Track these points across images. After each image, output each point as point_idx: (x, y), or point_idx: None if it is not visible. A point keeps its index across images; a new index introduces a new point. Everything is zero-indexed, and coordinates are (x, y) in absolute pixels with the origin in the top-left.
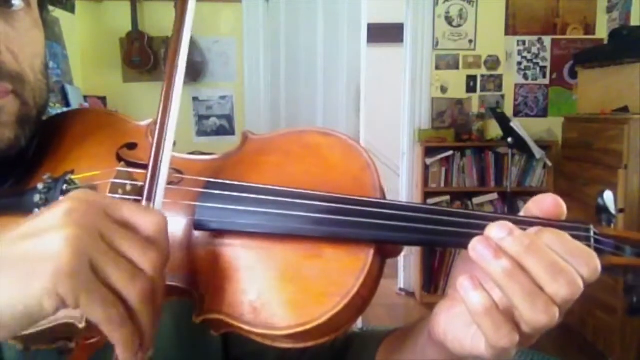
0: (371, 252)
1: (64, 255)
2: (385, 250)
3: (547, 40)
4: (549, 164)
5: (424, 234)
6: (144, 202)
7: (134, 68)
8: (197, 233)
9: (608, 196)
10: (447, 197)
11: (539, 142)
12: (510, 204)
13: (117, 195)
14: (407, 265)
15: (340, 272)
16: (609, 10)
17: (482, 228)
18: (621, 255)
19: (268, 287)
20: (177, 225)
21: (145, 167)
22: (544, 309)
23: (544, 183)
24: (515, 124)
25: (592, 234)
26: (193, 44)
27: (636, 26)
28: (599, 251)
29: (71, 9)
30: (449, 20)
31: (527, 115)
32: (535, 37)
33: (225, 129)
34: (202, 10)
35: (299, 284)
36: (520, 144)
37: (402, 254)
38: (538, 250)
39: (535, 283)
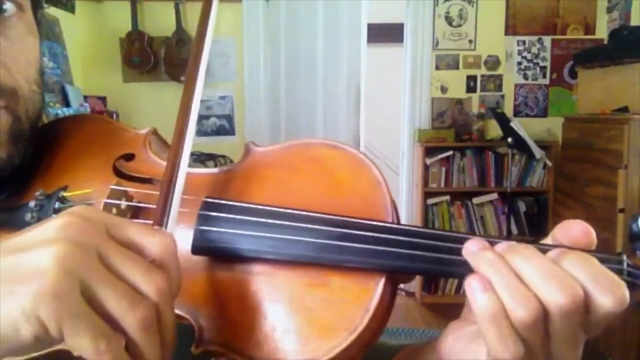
0: (382, 281)
1: (50, 274)
2: (398, 277)
3: (547, 40)
4: (549, 164)
5: (441, 264)
6: (155, 226)
7: (134, 68)
8: (195, 257)
9: None
10: (447, 197)
11: (539, 142)
12: (510, 204)
13: None
14: None
15: (348, 303)
16: (609, 10)
17: None
18: None
19: (271, 319)
20: None
21: (142, 180)
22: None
23: (544, 183)
24: (515, 124)
25: (625, 265)
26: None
27: (636, 26)
28: (633, 285)
29: (71, 9)
30: (449, 20)
31: (527, 115)
32: (535, 37)
33: (225, 129)
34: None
35: (303, 315)
36: (520, 144)
37: None
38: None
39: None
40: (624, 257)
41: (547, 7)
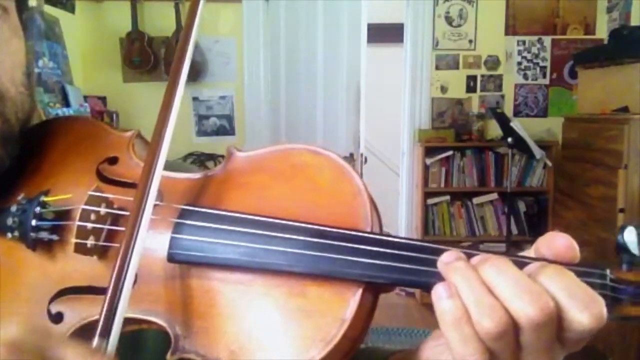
0: (359, 292)
1: None
2: (378, 286)
3: (547, 40)
4: (549, 164)
5: (418, 276)
6: (122, 249)
7: (134, 68)
8: (171, 264)
9: (629, 233)
10: (447, 197)
11: (539, 142)
12: (510, 204)
13: (89, 224)
14: None
15: (324, 314)
16: (609, 10)
17: None
18: None
19: (247, 328)
20: (151, 257)
21: (125, 185)
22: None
23: (544, 183)
24: (515, 124)
25: (608, 280)
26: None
27: (636, 26)
28: (616, 300)
29: (71, 9)
30: (449, 20)
31: (527, 115)
32: (535, 37)
33: (225, 129)
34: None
35: (279, 325)
36: (520, 144)
37: None
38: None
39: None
40: (608, 271)
41: (547, 7)
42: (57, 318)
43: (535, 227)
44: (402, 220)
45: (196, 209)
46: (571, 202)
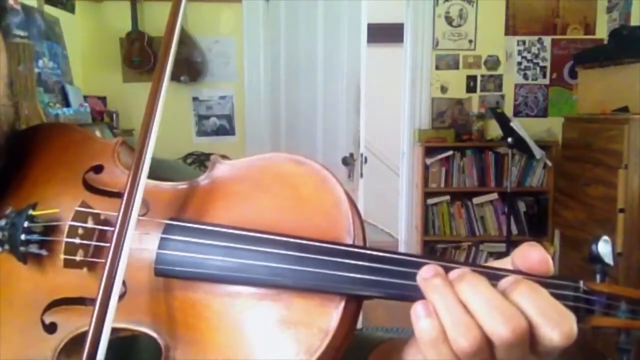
0: (342, 304)
1: None
2: (361, 297)
3: (547, 40)
4: (549, 164)
5: (398, 289)
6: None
7: (134, 68)
8: (159, 278)
9: (604, 244)
10: (447, 197)
11: (539, 142)
12: (510, 204)
13: (77, 240)
14: None
15: (308, 325)
16: (609, 10)
17: None
18: (613, 316)
19: (234, 340)
20: (139, 270)
21: (111, 194)
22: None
23: (544, 183)
24: (515, 124)
25: (581, 292)
26: (193, 44)
27: (636, 26)
28: (588, 311)
29: (71, 9)
30: (449, 20)
31: (527, 115)
32: (535, 37)
33: (225, 129)
34: (202, 10)
35: (265, 337)
36: (520, 144)
37: None
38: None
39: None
40: (581, 283)
41: (547, 7)
42: (52, 328)
43: (535, 227)
44: (402, 220)
45: (181, 223)
46: (571, 202)
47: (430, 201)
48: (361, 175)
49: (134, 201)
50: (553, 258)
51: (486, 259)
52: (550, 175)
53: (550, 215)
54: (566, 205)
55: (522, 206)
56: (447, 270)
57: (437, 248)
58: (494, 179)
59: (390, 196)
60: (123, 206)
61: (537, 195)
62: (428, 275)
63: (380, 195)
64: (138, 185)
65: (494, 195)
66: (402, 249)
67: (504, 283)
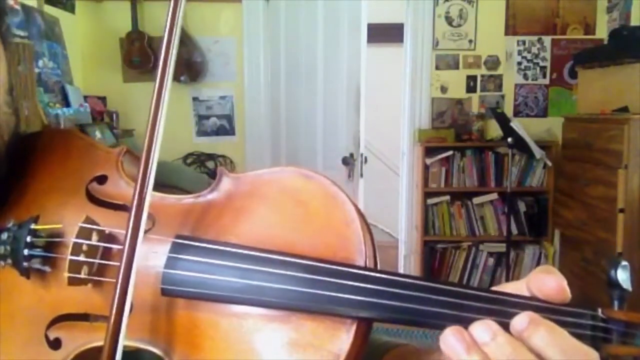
0: (353, 327)
1: None
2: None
3: (547, 40)
4: (549, 164)
5: (412, 315)
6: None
7: (134, 68)
8: (165, 297)
9: (623, 270)
10: (447, 197)
11: (539, 142)
12: (510, 204)
13: (81, 257)
14: (407, 265)
15: (318, 349)
16: (609, 10)
17: (476, 310)
18: (631, 344)
19: None
20: (145, 288)
21: (116, 207)
22: None
23: (544, 183)
24: (515, 124)
25: (599, 321)
26: (193, 44)
27: (636, 26)
28: (605, 340)
29: (71, 9)
30: (449, 20)
31: (527, 115)
32: (535, 37)
33: (225, 129)
34: (202, 10)
35: (273, 359)
36: (520, 144)
37: (402, 254)
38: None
39: None
40: (599, 311)
41: (547, 7)
42: (56, 344)
43: (535, 227)
44: (402, 220)
45: (187, 242)
46: (571, 202)
47: (430, 201)
48: (361, 175)
49: (141, 220)
50: (553, 258)
51: (486, 259)
52: (550, 175)
53: (550, 215)
54: (566, 205)
55: (522, 206)
56: (468, 323)
57: (437, 248)
58: (494, 179)
59: (390, 196)
60: (131, 227)
61: (537, 195)
62: (453, 339)
63: (380, 195)
64: (144, 201)
65: (494, 195)
66: (402, 248)
67: (520, 326)
